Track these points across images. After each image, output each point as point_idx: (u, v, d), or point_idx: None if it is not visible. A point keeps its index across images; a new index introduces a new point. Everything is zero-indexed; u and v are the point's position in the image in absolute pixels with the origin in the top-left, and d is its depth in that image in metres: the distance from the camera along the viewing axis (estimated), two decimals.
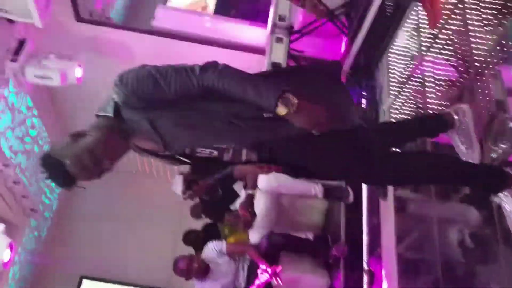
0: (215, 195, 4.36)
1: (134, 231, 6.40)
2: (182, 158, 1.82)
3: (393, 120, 3.45)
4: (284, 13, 4.26)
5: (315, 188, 3.90)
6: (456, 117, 2.28)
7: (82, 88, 4.73)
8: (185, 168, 4.45)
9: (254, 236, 3.82)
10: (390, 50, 3.99)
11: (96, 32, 4.49)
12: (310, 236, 4.11)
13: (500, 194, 1.92)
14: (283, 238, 3.74)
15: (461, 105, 2.34)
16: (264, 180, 3.93)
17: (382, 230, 3.35)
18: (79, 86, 4.58)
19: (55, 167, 1.61)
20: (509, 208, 1.92)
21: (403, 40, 3.75)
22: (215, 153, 1.79)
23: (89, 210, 6.57)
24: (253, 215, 3.86)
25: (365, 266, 3.50)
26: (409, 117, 3.23)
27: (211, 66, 1.60)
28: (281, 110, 1.55)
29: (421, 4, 3.13)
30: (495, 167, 2.07)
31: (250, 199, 3.93)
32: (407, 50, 3.73)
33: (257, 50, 4.62)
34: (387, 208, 3.34)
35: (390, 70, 3.94)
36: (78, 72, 4.25)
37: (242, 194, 4.06)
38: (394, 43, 3.90)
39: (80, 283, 6.46)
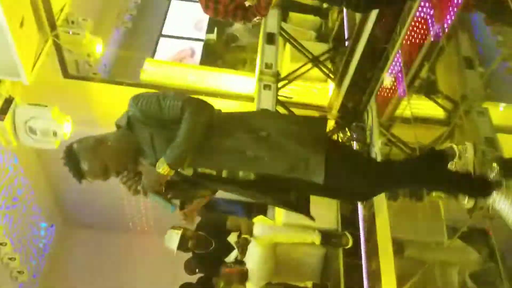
0: (208, 248, 4.25)
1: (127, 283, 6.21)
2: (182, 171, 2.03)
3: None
4: (270, 61, 4.32)
5: (312, 235, 3.82)
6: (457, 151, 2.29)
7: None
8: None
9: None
10: (377, 92, 4.04)
11: (84, 87, 4.49)
12: (309, 285, 4.00)
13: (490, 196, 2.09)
14: None
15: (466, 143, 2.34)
16: (260, 228, 3.86)
17: (382, 274, 3.27)
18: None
19: (72, 161, 1.92)
20: (501, 207, 2.04)
21: (389, 82, 3.80)
22: (214, 173, 2.05)
23: (78, 271, 6.38)
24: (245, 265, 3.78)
25: None
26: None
27: (192, 104, 1.92)
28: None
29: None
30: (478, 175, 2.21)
31: (244, 244, 3.83)
32: (393, 92, 3.77)
33: (246, 98, 4.65)
34: (386, 251, 3.28)
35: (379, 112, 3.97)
36: (67, 127, 4.20)
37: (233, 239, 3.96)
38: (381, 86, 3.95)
39: None
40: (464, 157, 2.26)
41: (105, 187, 6.01)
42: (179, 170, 2.00)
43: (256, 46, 5.12)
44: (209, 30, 7.18)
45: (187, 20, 8.57)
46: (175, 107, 1.90)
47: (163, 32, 8.26)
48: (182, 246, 4.08)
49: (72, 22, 4.22)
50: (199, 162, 2.01)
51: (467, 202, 2.91)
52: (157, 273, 6.01)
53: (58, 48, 4.18)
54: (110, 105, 4.57)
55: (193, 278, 4.51)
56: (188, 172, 2.05)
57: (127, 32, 7.63)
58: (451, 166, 2.30)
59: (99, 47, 4.58)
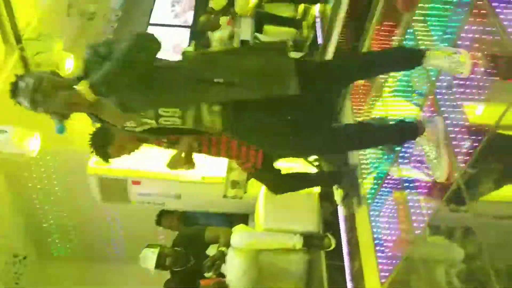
0: (187, 264, 4.09)
1: None
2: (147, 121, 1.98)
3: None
4: None
5: (293, 239, 3.70)
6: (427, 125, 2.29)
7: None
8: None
9: None
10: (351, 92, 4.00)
11: None
12: None
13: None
14: None
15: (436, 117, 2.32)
16: (237, 237, 3.73)
17: (365, 273, 3.15)
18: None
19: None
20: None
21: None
22: (178, 122, 1.97)
23: None
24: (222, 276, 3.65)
25: None
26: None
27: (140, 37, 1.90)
28: None
29: None
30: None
31: (223, 256, 3.70)
32: (367, 88, 3.73)
33: None
34: (368, 249, 3.17)
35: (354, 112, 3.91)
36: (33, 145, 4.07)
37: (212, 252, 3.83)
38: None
39: None
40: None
41: (85, 215, 5.85)
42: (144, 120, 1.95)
43: None
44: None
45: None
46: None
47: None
48: (159, 265, 3.92)
49: (40, 37, 4.15)
50: (159, 101, 1.94)
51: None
52: None
53: (26, 63, 4.09)
54: (83, 120, 4.48)
55: None
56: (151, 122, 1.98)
57: (114, 32, 7.60)
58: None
59: (70, 62, 4.49)
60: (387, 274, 2.87)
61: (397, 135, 2.41)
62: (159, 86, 1.88)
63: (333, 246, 3.58)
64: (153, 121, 1.98)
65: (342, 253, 3.52)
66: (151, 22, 8.73)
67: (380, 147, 2.94)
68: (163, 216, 4.88)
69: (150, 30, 8.62)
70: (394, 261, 2.82)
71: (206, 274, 4.01)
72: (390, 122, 2.66)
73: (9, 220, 5.53)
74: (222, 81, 1.87)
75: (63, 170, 5.07)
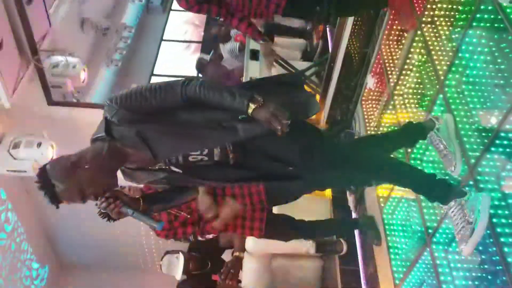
0: (205, 268, 4.12)
1: None
2: (174, 169, 1.94)
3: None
4: (254, 75, 4.33)
5: (306, 245, 3.70)
6: (436, 121, 2.31)
7: None
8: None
9: None
10: (362, 98, 4.01)
11: (69, 113, 4.46)
12: None
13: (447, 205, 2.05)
14: None
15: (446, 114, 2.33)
16: (251, 242, 3.74)
17: (380, 277, 3.13)
18: None
19: (46, 185, 1.74)
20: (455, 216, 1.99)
21: (374, 85, 3.77)
22: (206, 158, 1.95)
23: None
24: (238, 281, 3.65)
25: None
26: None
27: (192, 79, 1.80)
28: (250, 108, 1.73)
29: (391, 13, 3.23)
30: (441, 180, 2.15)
31: (238, 262, 3.71)
32: (378, 93, 3.75)
33: None
34: (382, 253, 3.17)
35: (366, 118, 3.92)
36: (50, 153, 4.15)
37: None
38: (366, 89, 3.92)
39: None
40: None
41: (99, 224, 5.94)
42: (171, 167, 1.92)
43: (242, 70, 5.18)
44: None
45: (177, 60, 8.76)
46: (170, 91, 1.77)
47: (155, 72, 8.42)
48: (184, 270, 3.96)
49: (55, 50, 4.25)
50: (185, 146, 1.89)
51: None
52: None
53: (41, 74, 4.18)
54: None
55: None
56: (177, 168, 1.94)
57: (117, 71, 7.72)
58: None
59: (85, 75, 4.58)
60: (401, 276, 2.87)
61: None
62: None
63: (345, 250, 3.57)
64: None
65: (357, 258, 3.51)
66: (164, 38, 8.90)
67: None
68: None
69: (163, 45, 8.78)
70: (408, 264, 2.81)
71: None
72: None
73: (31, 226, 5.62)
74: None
75: None
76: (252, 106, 1.73)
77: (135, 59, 8.31)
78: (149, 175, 1.95)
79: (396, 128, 3.08)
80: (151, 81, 8.01)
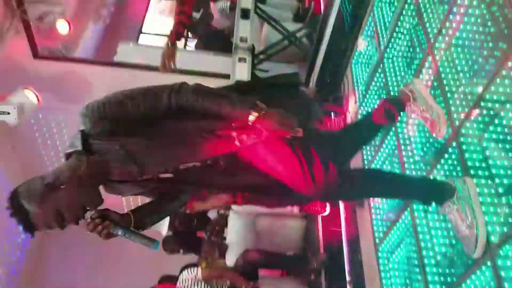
0: (191, 225, 4.18)
1: (109, 279, 6.05)
2: (163, 175, 1.76)
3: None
4: (245, 35, 4.28)
5: None
6: (409, 92, 2.28)
7: (42, 125, 4.62)
8: None
9: (230, 258, 3.63)
10: (352, 61, 4.01)
11: (55, 68, 4.40)
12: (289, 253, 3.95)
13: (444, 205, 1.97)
14: (259, 254, 3.54)
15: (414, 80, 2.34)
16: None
17: (361, 234, 3.22)
18: (38, 124, 4.47)
19: (19, 210, 1.55)
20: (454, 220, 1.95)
21: (364, 48, 3.77)
22: (198, 164, 1.76)
23: (60, 268, 6.22)
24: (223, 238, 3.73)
25: (347, 277, 3.33)
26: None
27: (182, 86, 1.62)
28: (253, 117, 1.60)
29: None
30: (434, 180, 2.13)
31: (223, 220, 3.77)
32: (368, 56, 3.74)
33: (223, 76, 4.60)
34: (364, 215, 3.24)
35: (354, 81, 3.93)
36: (33, 97, 4.10)
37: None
38: (356, 53, 3.91)
39: None
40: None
41: None
42: (159, 175, 1.72)
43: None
44: None
45: (166, 19, 8.57)
46: (155, 99, 1.59)
47: (143, 30, 8.25)
48: (170, 227, 4.03)
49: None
50: (175, 160, 1.72)
51: None
52: (141, 267, 5.87)
53: (27, 27, 4.09)
54: (82, 85, 4.55)
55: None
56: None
57: (105, 28, 7.56)
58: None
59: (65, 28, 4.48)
60: (381, 235, 2.94)
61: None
62: None
63: (327, 211, 3.64)
64: None
65: (339, 218, 3.59)
66: None
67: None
68: None
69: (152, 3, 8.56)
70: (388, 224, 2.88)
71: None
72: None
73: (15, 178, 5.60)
74: None
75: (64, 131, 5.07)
76: (254, 114, 1.59)
77: (124, 16, 8.13)
78: (134, 187, 1.77)
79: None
80: (140, 39, 7.92)
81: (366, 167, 3.17)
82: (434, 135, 2.27)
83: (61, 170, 1.60)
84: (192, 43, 6.95)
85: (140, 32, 8.14)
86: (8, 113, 3.96)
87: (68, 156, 1.65)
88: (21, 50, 4.22)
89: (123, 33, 7.78)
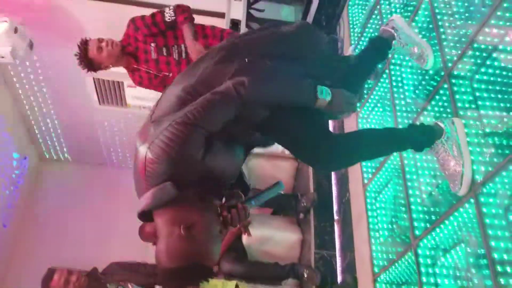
0: None
1: (105, 218, 6.17)
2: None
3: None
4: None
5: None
6: (392, 30, 2.32)
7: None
8: None
9: None
10: (349, 2, 3.96)
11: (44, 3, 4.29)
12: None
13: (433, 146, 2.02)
14: (251, 193, 3.61)
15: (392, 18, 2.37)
16: None
17: (350, 175, 3.29)
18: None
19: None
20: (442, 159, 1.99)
21: None
22: None
23: (54, 205, 6.31)
24: None
25: (335, 216, 3.44)
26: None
27: (239, 85, 1.55)
28: (321, 103, 1.69)
29: None
30: (422, 127, 2.08)
31: None
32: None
33: (218, 14, 4.52)
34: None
35: (350, 24, 3.90)
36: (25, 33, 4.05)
37: None
38: None
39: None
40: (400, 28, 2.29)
41: (83, 119, 5.88)
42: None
43: None
44: None
45: None
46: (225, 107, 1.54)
47: None
48: None
49: None
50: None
51: None
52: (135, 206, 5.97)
53: None
54: (72, 21, 4.47)
55: None
56: None
57: None
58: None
59: None
60: (370, 176, 3.02)
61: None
62: None
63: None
64: None
65: None
66: None
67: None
68: None
69: None
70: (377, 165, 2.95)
71: None
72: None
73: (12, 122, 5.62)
74: None
75: (58, 70, 5.03)
76: (321, 101, 1.68)
77: None
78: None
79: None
80: None
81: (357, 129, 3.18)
82: (422, 66, 2.32)
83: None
84: None
85: None
86: (2, 57, 3.94)
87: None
88: None
89: None
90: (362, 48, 3.12)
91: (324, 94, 1.69)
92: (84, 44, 3.09)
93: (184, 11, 2.99)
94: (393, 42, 2.31)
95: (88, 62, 3.09)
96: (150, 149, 1.45)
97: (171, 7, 3.00)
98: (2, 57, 4.11)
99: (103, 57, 3.05)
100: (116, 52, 3.07)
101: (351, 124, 3.34)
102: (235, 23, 3.93)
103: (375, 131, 2.27)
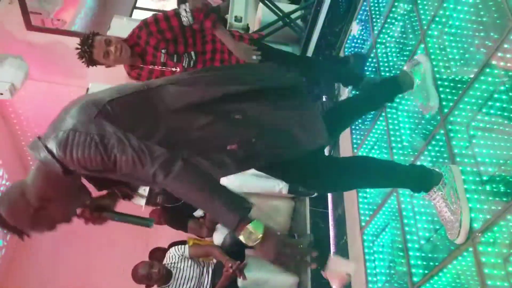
0: (178, 202, 4.20)
1: (97, 256, 6.08)
2: None
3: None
4: (240, 14, 4.26)
5: (279, 185, 3.80)
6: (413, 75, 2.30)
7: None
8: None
9: (217, 237, 3.67)
10: (346, 45, 4.01)
11: (48, 40, 4.36)
12: None
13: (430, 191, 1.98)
14: None
15: (418, 58, 2.32)
16: (225, 181, 3.81)
17: (347, 217, 3.26)
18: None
19: (12, 230, 1.53)
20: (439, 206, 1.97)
21: (358, 32, 3.77)
22: None
23: (46, 242, 6.22)
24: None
25: None
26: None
27: (176, 158, 1.42)
28: (241, 238, 1.41)
29: None
30: (422, 168, 2.07)
31: None
32: (362, 41, 3.74)
33: None
34: (351, 197, 3.27)
35: None
36: (25, 68, 4.08)
37: None
38: (349, 37, 3.91)
39: None
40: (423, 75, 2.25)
41: None
42: None
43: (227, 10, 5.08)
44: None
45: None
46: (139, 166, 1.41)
47: (137, 5, 8.16)
48: (150, 201, 4.04)
49: None
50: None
51: None
52: (131, 243, 5.91)
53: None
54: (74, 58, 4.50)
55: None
56: None
57: (99, 1, 7.49)
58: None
59: None
60: (367, 218, 2.99)
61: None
62: None
63: (316, 193, 3.68)
64: None
65: (327, 200, 3.63)
66: None
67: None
68: None
69: None
70: (374, 207, 2.93)
71: (195, 213, 4.15)
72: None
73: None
74: None
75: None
76: (241, 237, 1.40)
77: None
78: None
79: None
80: (133, 14, 7.82)
81: (355, 155, 3.20)
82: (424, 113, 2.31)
83: (40, 185, 1.50)
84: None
85: (134, 6, 8.07)
86: (1, 94, 3.96)
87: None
88: (14, 20, 4.16)
89: (118, 7, 7.71)
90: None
91: (254, 229, 1.41)
92: (89, 44, 2.75)
93: (207, 15, 2.72)
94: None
95: (91, 61, 2.81)
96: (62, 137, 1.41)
97: (187, 10, 2.72)
98: (1, 94, 4.14)
99: (110, 61, 2.81)
100: (124, 58, 2.83)
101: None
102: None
103: (377, 160, 2.24)
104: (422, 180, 2.00)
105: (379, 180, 2.06)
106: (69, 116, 1.45)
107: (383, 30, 3.21)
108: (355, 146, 3.28)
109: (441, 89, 2.28)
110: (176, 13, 2.75)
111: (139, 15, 7.69)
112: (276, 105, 1.72)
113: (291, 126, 1.71)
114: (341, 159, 2.43)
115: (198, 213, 4.12)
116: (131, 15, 7.63)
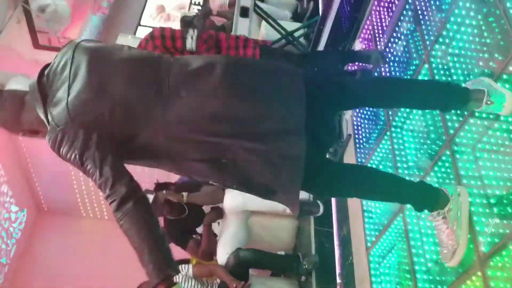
0: (181, 215, 4.13)
1: (99, 271, 6.06)
2: None
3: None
4: (244, 33, 4.27)
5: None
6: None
7: None
8: None
9: (221, 256, 3.64)
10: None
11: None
12: (281, 253, 3.96)
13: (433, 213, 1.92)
14: (250, 253, 3.55)
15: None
16: (230, 199, 3.80)
17: (353, 236, 3.23)
18: None
19: None
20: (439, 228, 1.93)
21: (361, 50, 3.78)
22: None
23: (50, 257, 6.22)
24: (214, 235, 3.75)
25: (338, 279, 3.35)
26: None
27: (129, 198, 1.54)
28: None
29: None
30: (429, 186, 1.99)
31: (218, 213, 3.79)
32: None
33: None
34: (356, 216, 3.25)
35: None
36: None
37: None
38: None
39: None
40: None
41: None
42: None
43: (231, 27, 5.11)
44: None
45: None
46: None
47: (142, 23, 8.23)
48: (158, 212, 3.99)
49: None
50: None
51: None
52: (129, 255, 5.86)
53: (28, 16, 4.07)
54: None
55: None
56: None
57: (104, 19, 7.54)
58: None
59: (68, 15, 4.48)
60: (373, 239, 2.96)
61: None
62: None
63: (321, 212, 3.65)
64: None
65: (332, 220, 3.60)
66: None
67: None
68: None
69: None
70: (380, 228, 2.90)
71: (199, 230, 4.10)
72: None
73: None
74: None
75: None
76: None
77: (123, 7, 8.11)
78: None
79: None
80: (138, 32, 7.88)
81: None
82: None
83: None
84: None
85: (139, 24, 8.13)
86: None
87: None
88: (22, 39, 4.20)
89: (122, 25, 7.77)
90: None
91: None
92: None
93: (209, 48, 2.82)
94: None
95: None
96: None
97: (193, 36, 2.83)
98: None
99: None
100: None
101: None
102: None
103: (384, 173, 2.19)
104: (427, 198, 1.94)
105: (383, 187, 1.95)
106: None
107: (386, 50, 3.22)
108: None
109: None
110: (182, 37, 2.85)
111: (144, 33, 7.76)
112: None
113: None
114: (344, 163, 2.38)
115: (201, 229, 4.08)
116: (135, 33, 7.68)
